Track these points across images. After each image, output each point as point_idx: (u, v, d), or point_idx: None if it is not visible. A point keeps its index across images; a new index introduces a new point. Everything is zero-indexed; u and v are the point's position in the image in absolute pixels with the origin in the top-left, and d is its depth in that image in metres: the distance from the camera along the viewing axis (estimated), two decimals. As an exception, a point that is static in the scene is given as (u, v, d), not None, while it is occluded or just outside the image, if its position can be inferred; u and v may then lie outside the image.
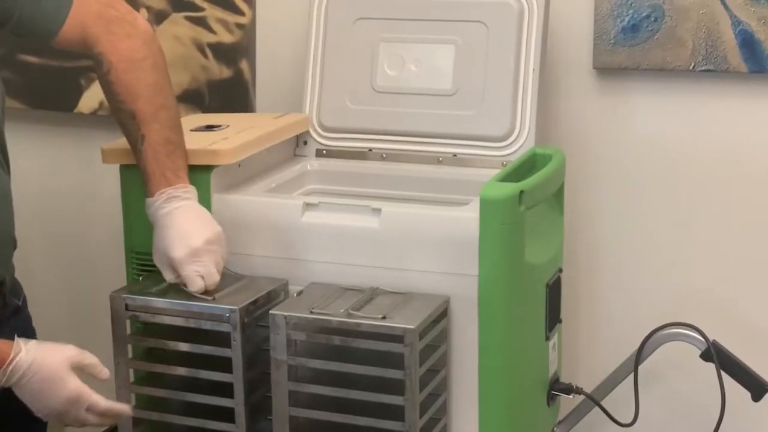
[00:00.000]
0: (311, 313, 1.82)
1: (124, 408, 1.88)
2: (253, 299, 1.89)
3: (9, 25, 1.89)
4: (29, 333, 2.08)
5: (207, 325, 1.88)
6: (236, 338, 1.85)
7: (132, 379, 1.98)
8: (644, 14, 2.28)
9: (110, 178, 2.17)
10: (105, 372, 1.84)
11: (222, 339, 1.88)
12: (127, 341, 1.95)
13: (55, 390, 1.79)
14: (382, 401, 1.81)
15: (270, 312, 1.84)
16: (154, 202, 1.92)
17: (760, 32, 2.21)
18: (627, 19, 2.29)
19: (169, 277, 1.93)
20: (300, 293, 1.91)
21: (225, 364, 1.88)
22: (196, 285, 1.89)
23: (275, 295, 1.94)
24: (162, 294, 1.92)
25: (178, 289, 1.92)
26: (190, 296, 1.89)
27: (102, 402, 1.83)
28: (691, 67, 2.26)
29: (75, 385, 1.80)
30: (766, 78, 2.24)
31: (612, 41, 2.30)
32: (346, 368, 1.83)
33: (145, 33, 1.95)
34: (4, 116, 1.97)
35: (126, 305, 1.93)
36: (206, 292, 1.90)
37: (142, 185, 1.96)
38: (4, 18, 1.89)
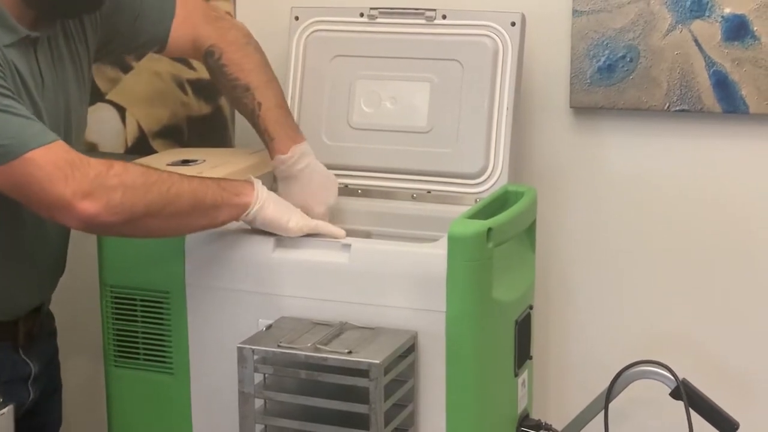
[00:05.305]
0: (279, 347, 1.83)
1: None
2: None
3: (116, 42, 2.14)
4: (55, 362, 2.19)
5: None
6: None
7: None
8: (620, 55, 2.30)
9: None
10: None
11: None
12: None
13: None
14: (347, 435, 1.82)
15: (237, 345, 1.85)
16: (289, 158, 2.14)
17: (734, 73, 2.23)
18: (603, 59, 2.31)
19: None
20: (269, 327, 1.92)
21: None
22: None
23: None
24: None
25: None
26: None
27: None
28: (665, 107, 2.28)
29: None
30: (739, 118, 2.26)
31: (588, 81, 2.32)
32: (312, 402, 1.84)
33: (243, 26, 2.24)
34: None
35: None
36: None
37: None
38: (111, 34, 2.12)
